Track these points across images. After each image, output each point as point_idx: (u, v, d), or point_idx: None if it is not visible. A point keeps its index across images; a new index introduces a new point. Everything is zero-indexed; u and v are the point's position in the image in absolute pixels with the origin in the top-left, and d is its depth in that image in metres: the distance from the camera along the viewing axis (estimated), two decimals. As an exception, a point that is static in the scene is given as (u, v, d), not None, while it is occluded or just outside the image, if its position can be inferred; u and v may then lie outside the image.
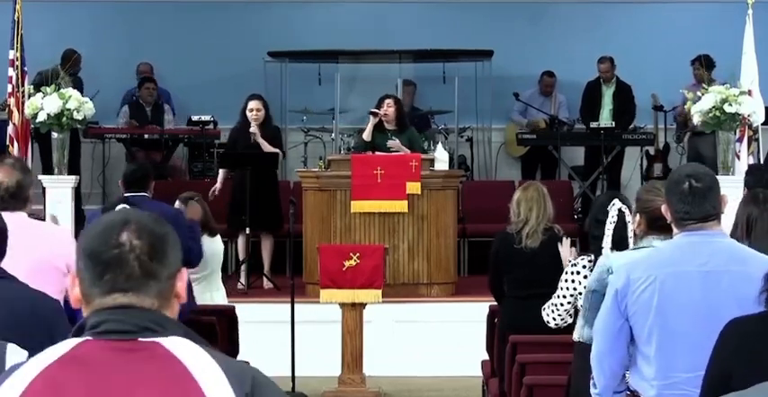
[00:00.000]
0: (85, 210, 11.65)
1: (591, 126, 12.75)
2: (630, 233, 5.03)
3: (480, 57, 13.03)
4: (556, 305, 5.71)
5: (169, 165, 12.96)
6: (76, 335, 2.26)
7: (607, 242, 5.16)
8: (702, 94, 9.30)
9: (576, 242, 11.28)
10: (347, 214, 10.01)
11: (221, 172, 10.82)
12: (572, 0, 13.84)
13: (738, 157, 9.36)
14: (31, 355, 3.09)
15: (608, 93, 13.16)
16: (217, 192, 10.62)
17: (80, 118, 9.64)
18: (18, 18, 9.99)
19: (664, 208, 4.11)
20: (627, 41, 13.56)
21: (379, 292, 8.40)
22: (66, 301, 5.28)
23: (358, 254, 8.45)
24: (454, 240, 10.33)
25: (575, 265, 5.60)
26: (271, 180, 10.68)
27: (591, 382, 4.30)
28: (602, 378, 4.17)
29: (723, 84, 9.46)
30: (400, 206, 9.94)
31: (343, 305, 8.47)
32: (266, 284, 10.55)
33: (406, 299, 9.84)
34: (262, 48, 12.96)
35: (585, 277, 5.46)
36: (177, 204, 8.05)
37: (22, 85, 9.88)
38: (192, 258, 7.23)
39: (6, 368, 2.61)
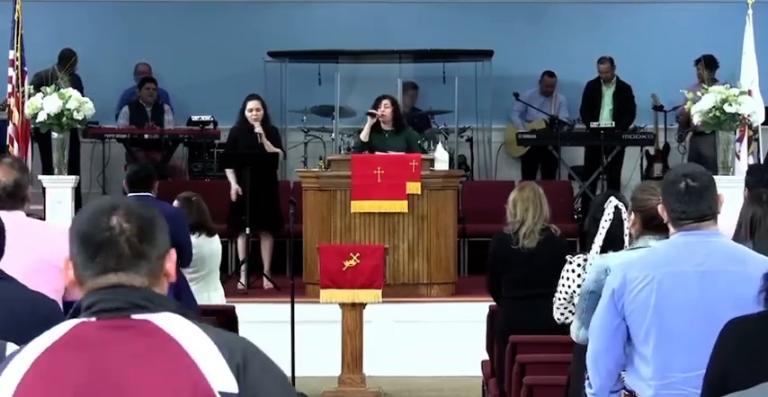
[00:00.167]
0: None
1: (591, 126, 12.75)
2: (627, 232, 5.03)
3: (480, 57, 13.03)
4: (560, 300, 5.73)
5: (169, 165, 12.95)
6: (73, 316, 2.36)
7: (599, 239, 5.16)
8: (702, 94, 9.30)
9: (575, 242, 11.36)
10: (347, 214, 10.01)
11: (229, 172, 10.71)
12: (572, 0, 13.84)
13: (738, 157, 9.36)
14: None
15: (608, 93, 13.16)
16: (240, 192, 10.52)
17: (80, 118, 9.64)
18: (18, 18, 10.00)
19: (660, 208, 4.11)
20: (627, 41, 13.55)
21: (379, 292, 8.40)
22: (65, 300, 5.30)
23: (358, 254, 8.45)
24: (454, 240, 10.33)
25: (570, 263, 5.61)
26: (271, 180, 10.68)
27: (586, 382, 4.30)
28: (598, 378, 4.17)
29: (724, 85, 9.46)
30: (400, 206, 9.94)
31: (343, 305, 8.47)
32: (266, 284, 10.55)
33: (406, 299, 9.84)
34: (262, 48, 12.96)
35: (579, 275, 5.46)
36: (176, 203, 8.05)
37: (22, 85, 9.89)
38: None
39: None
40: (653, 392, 4.00)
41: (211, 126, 12.60)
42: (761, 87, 9.72)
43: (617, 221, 5.20)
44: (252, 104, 10.57)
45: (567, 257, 5.68)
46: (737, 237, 5.34)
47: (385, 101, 10.67)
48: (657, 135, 13.15)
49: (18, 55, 9.95)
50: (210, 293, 8.17)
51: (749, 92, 9.40)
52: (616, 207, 5.16)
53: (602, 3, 13.83)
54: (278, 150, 10.64)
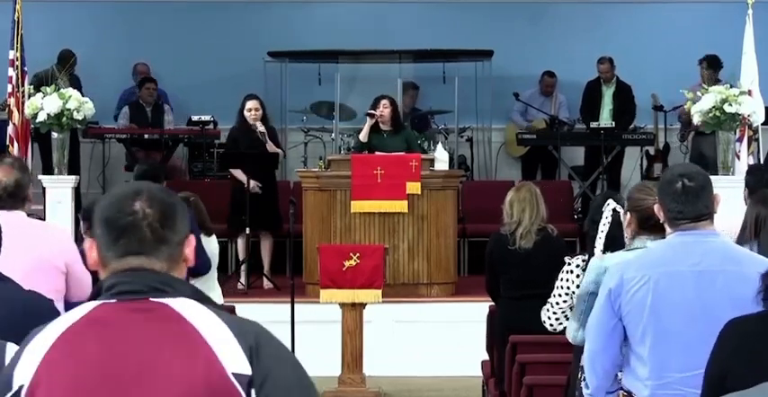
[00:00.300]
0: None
1: (591, 126, 12.75)
2: (626, 233, 5.03)
3: (480, 57, 13.03)
4: (552, 305, 5.72)
5: (169, 165, 12.95)
6: (93, 298, 2.46)
7: (599, 243, 5.16)
8: (702, 94, 9.30)
9: (575, 242, 11.35)
10: (347, 214, 10.01)
11: (237, 171, 10.63)
12: (572, 0, 13.84)
13: (738, 157, 9.36)
14: None
15: (608, 93, 13.17)
16: (257, 187, 10.47)
17: (80, 118, 9.64)
18: (18, 18, 9.99)
19: (657, 208, 4.11)
20: (627, 41, 13.55)
21: (379, 292, 8.40)
22: (67, 300, 5.30)
23: (358, 254, 8.45)
24: (454, 240, 10.34)
25: (569, 264, 5.60)
26: (270, 179, 10.68)
27: (583, 382, 4.30)
28: (595, 378, 4.17)
29: (724, 85, 9.46)
30: (400, 206, 9.94)
31: (343, 305, 8.47)
32: (266, 284, 10.55)
33: (406, 299, 9.84)
34: (262, 48, 12.95)
35: (578, 276, 5.46)
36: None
37: (22, 85, 9.88)
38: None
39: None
40: (649, 392, 4.00)
41: (211, 126, 12.60)
42: (761, 87, 9.72)
43: (615, 223, 5.20)
44: (251, 104, 10.56)
45: (566, 258, 5.68)
46: (742, 237, 5.33)
47: (384, 102, 10.67)
48: (657, 135, 13.15)
49: (18, 55, 9.95)
50: (209, 293, 8.15)
51: (749, 92, 9.40)
52: (614, 209, 5.16)
53: (602, 3, 13.83)
54: (279, 150, 10.65)
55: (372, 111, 10.62)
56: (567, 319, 5.77)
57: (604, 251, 5.07)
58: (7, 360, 3.14)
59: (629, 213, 4.60)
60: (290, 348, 8.35)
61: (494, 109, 13.48)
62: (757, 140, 9.77)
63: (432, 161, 10.20)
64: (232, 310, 7.95)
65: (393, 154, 10.28)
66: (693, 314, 3.94)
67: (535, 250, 7.09)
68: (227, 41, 13.61)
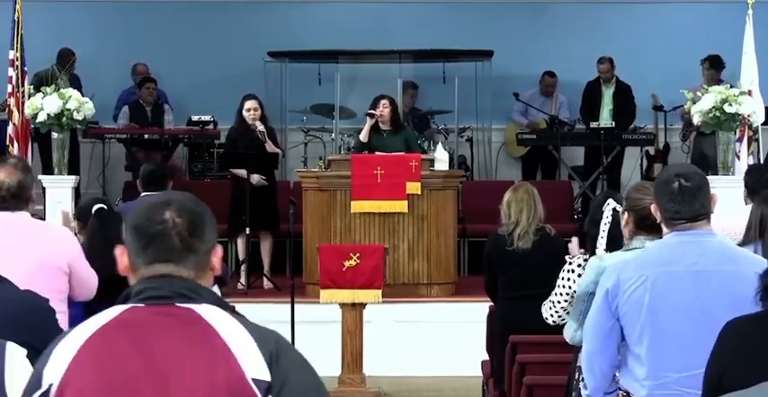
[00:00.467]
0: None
1: (591, 126, 12.75)
2: (624, 233, 5.02)
3: (480, 57, 13.03)
4: (553, 303, 5.72)
5: (169, 165, 12.95)
6: (123, 302, 2.56)
7: (601, 242, 5.16)
8: (702, 94, 9.30)
9: (576, 242, 11.34)
10: (347, 214, 10.00)
11: (243, 171, 10.60)
12: (572, 0, 13.84)
13: (738, 157, 9.36)
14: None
15: (608, 93, 13.17)
16: (262, 180, 10.44)
17: (80, 118, 9.64)
18: (18, 18, 9.99)
19: (653, 208, 4.11)
20: (627, 41, 13.55)
21: (379, 292, 8.40)
22: (71, 299, 5.30)
23: (358, 254, 8.45)
24: (454, 240, 10.33)
25: (570, 264, 5.60)
26: (270, 180, 10.68)
27: (581, 383, 4.29)
28: (593, 379, 4.16)
29: (724, 85, 9.47)
30: (400, 206, 9.94)
31: (343, 305, 8.47)
32: (266, 284, 10.54)
33: (406, 299, 9.84)
34: (262, 48, 12.95)
35: (579, 275, 5.45)
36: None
37: (22, 85, 9.88)
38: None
39: (5, 365, 3.02)
40: (647, 393, 4.00)
41: (211, 126, 12.59)
42: (761, 87, 9.72)
43: (616, 223, 5.20)
44: (249, 104, 10.55)
45: (567, 257, 5.67)
46: (747, 238, 5.33)
47: (383, 102, 10.67)
48: (657, 135, 13.15)
49: (18, 55, 9.94)
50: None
51: (749, 92, 9.40)
52: (614, 209, 5.16)
53: (602, 3, 13.83)
54: (278, 150, 10.64)
55: (372, 111, 10.62)
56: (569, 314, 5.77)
57: (607, 251, 5.07)
58: (7, 359, 3.16)
59: (626, 213, 4.60)
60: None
61: (494, 109, 13.48)
62: (757, 140, 9.77)
63: (432, 161, 10.20)
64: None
65: (393, 154, 10.28)
66: (691, 314, 3.94)
67: (533, 250, 7.09)
68: (227, 41, 13.61)
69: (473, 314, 8.85)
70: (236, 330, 2.52)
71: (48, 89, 9.64)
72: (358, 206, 9.95)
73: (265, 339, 2.52)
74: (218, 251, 2.62)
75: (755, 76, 9.60)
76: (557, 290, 5.68)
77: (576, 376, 4.72)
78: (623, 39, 13.56)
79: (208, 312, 2.53)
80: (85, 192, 12.10)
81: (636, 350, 4.02)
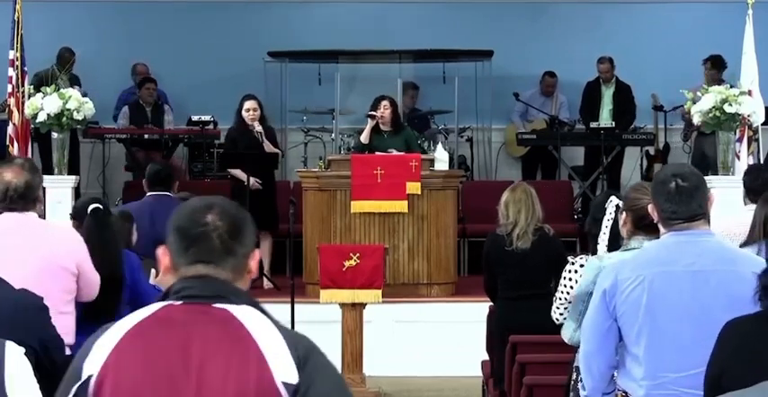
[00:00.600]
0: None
1: (591, 126, 12.74)
2: (622, 233, 5.02)
3: (480, 57, 13.03)
4: (559, 300, 5.71)
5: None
6: (162, 299, 2.66)
7: (603, 239, 5.15)
8: (702, 94, 9.30)
9: (575, 242, 11.35)
10: (347, 214, 10.00)
11: (237, 171, 10.61)
12: (572, 0, 13.84)
13: (738, 157, 9.36)
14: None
15: (607, 93, 13.17)
16: (257, 184, 10.43)
17: (80, 118, 9.64)
18: (18, 18, 9.99)
19: (650, 208, 4.11)
20: (627, 41, 13.55)
21: (379, 292, 8.39)
22: (78, 301, 5.30)
23: (358, 254, 8.45)
24: (454, 240, 10.33)
25: (573, 264, 5.60)
26: (269, 180, 10.68)
27: (579, 383, 4.29)
28: (591, 380, 4.16)
29: (724, 85, 9.47)
30: (400, 206, 9.94)
31: (343, 305, 8.47)
32: (266, 284, 10.54)
33: (406, 299, 9.84)
34: (262, 48, 12.95)
35: (582, 275, 5.45)
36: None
37: (22, 85, 9.88)
38: None
39: (5, 365, 3.08)
40: (644, 393, 3.99)
41: (211, 126, 12.59)
42: (761, 87, 9.72)
43: (617, 221, 5.19)
44: (249, 104, 10.55)
45: (570, 258, 5.67)
46: (750, 238, 5.33)
47: (384, 102, 10.67)
48: (657, 135, 13.15)
49: (18, 55, 9.94)
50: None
51: (749, 92, 9.39)
52: (617, 206, 5.16)
53: (602, 3, 13.83)
54: (277, 150, 10.63)
55: (373, 113, 10.61)
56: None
57: (610, 250, 5.07)
58: (6, 358, 3.17)
59: (624, 212, 4.60)
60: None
61: (494, 109, 13.48)
62: (757, 140, 9.77)
63: (432, 161, 10.20)
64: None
65: (393, 154, 10.28)
66: (689, 314, 3.93)
67: (532, 250, 7.10)
68: (227, 41, 13.61)
69: (473, 314, 8.85)
70: (269, 333, 2.61)
71: (48, 89, 9.64)
72: (358, 206, 9.95)
73: (297, 343, 2.62)
74: (256, 254, 2.72)
75: (755, 76, 9.60)
76: (559, 290, 5.68)
77: (575, 377, 4.72)
78: (623, 39, 13.56)
79: (242, 313, 2.62)
80: (85, 192, 12.10)
81: (634, 350, 4.01)
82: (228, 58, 13.52)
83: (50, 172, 10.03)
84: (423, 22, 13.71)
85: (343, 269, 8.37)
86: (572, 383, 4.93)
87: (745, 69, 9.65)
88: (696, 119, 9.38)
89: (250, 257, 2.71)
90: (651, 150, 13.09)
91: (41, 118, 9.53)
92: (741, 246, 5.25)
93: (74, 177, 9.94)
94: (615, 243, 5.05)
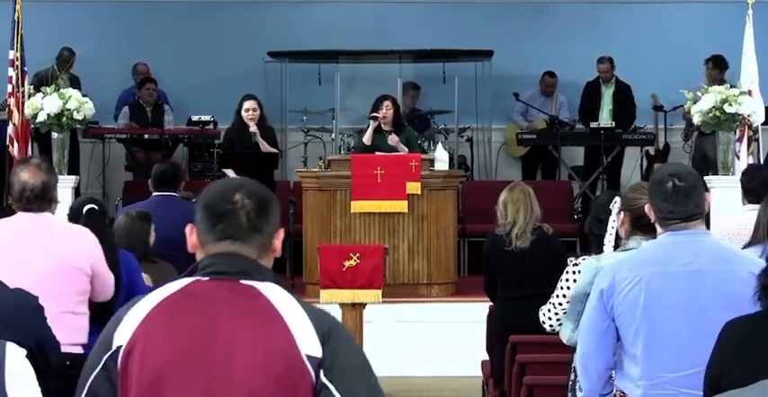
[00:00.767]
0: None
1: (591, 126, 12.74)
2: (620, 233, 5.01)
3: (480, 57, 13.03)
4: (554, 305, 5.70)
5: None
6: (189, 275, 2.76)
7: (610, 239, 5.15)
8: (702, 94, 9.30)
9: (575, 242, 11.35)
10: (347, 214, 10.00)
11: (229, 171, 10.64)
12: (572, 0, 13.84)
13: (738, 157, 9.35)
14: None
15: (607, 93, 13.17)
16: None
17: (80, 118, 9.64)
18: (18, 18, 9.99)
19: (647, 208, 4.11)
20: (627, 41, 13.55)
21: (379, 292, 8.39)
22: (91, 301, 5.31)
23: (358, 254, 8.44)
24: (454, 240, 10.33)
25: (576, 265, 5.59)
26: (268, 180, 10.64)
27: (577, 385, 4.28)
28: (588, 381, 4.15)
29: (724, 85, 9.47)
30: (400, 206, 9.94)
31: (343, 305, 8.46)
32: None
33: (406, 299, 9.83)
34: (262, 48, 12.95)
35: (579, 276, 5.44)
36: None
37: (22, 85, 9.87)
38: None
39: (6, 365, 3.13)
40: (641, 393, 3.99)
41: (211, 126, 12.59)
42: (761, 87, 9.71)
43: None
44: (248, 104, 10.52)
45: (571, 259, 5.65)
46: (755, 238, 5.32)
47: (386, 103, 10.66)
48: (657, 135, 13.15)
49: (18, 55, 9.93)
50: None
51: (749, 92, 9.39)
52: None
53: (602, 3, 13.83)
54: (273, 150, 10.56)
55: (376, 114, 10.61)
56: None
57: (615, 249, 5.06)
58: (7, 359, 3.18)
59: (622, 213, 4.60)
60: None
61: (494, 109, 13.48)
62: (757, 140, 9.77)
63: (432, 161, 10.20)
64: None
65: (393, 153, 10.28)
66: (686, 314, 3.93)
67: (532, 250, 7.10)
68: (227, 41, 13.61)
69: (473, 314, 8.85)
70: (294, 308, 2.67)
71: (48, 89, 9.64)
72: (358, 206, 9.95)
73: (320, 318, 2.67)
74: (281, 234, 2.80)
75: (755, 76, 9.60)
76: (557, 292, 5.67)
77: (573, 377, 4.72)
78: (623, 39, 13.56)
79: (268, 289, 2.70)
80: (85, 192, 12.10)
81: (631, 351, 4.01)
82: (228, 58, 13.52)
83: (50, 172, 10.02)
84: (423, 22, 13.71)
85: (343, 269, 8.37)
86: (570, 383, 4.93)
87: (745, 69, 9.65)
88: (696, 119, 9.38)
89: (275, 236, 2.79)
90: (651, 150, 13.09)
91: (41, 118, 9.53)
92: (745, 247, 5.25)
93: (74, 177, 9.94)
94: (617, 245, 5.05)
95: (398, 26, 13.63)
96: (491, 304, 7.62)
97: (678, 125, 13.17)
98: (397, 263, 9.91)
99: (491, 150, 13.76)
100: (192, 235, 2.79)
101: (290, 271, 9.69)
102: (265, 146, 10.46)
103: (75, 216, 5.97)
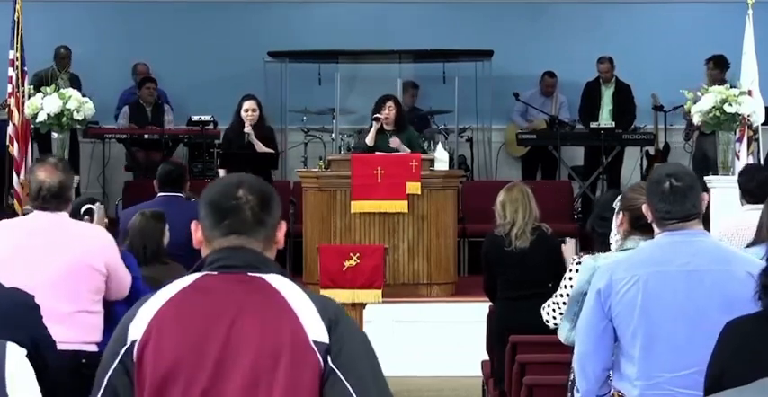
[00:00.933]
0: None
1: (591, 126, 12.74)
2: (618, 233, 5.00)
3: (480, 57, 13.03)
4: (558, 304, 5.70)
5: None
6: (197, 270, 2.85)
7: (616, 238, 5.14)
8: (702, 94, 9.30)
9: (576, 242, 11.35)
10: (347, 214, 10.00)
11: (222, 172, 10.70)
12: (572, 0, 13.84)
13: (738, 157, 9.35)
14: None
15: (607, 93, 13.16)
16: None
17: (80, 118, 9.64)
18: (18, 18, 9.99)
19: (644, 208, 4.11)
20: (627, 41, 13.55)
21: (379, 292, 8.38)
22: (106, 300, 5.32)
23: (358, 254, 8.44)
24: (454, 240, 10.33)
25: (579, 264, 5.59)
26: (267, 180, 10.61)
27: (573, 386, 4.28)
28: (585, 382, 4.14)
29: (724, 85, 9.46)
30: (400, 206, 9.94)
31: (343, 305, 8.45)
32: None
33: (406, 299, 9.84)
34: (262, 48, 12.95)
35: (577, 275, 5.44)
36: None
37: (22, 85, 9.88)
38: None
39: (6, 365, 3.18)
40: (639, 393, 3.99)
41: (211, 126, 12.59)
42: (761, 87, 9.71)
43: None
44: (247, 104, 10.51)
45: (574, 257, 5.65)
46: (758, 238, 5.32)
47: (389, 104, 10.65)
48: (657, 135, 13.15)
49: (18, 55, 9.94)
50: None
51: (749, 92, 9.39)
52: None
53: (602, 3, 13.83)
54: (268, 150, 10.50)
55: (378, 115, 10.60)
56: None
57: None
58: (7, 359, 3.19)
59: (621, 212, 4.60)
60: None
61: (494, 109, 13.48)
62: (757, 140, 9.77)
63: (432, 161, 10.20)
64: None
65: (394, 154, 10.28)
66: (684, 314, 3.93)
67: (531, 249, 7.10)
68: (227, 41, 13.61)
69: (473, 314, 8.85)
70: (300, 296, 2.79)
71: (48, 89, 9.64)
72: (358, 206, 9.95)
73: (326, 306, 2.80)
74: (283, 226, 2.91)
75: (755, 76, 9.59)
76: (560, 291, 5.67)
77: (573, 377, 4.72)
78: (623, 39, 13.56)
79: (276, 280, 2.81)
80: (85, 192, 12.10)
81: (629, 351, 4.01)
82: (228, 58, 13.52)
83: (50, 172, 10.02)
84: (423, 22, 13.71)
85: (343, 269, 8.36)
86: (570, 382, 4.93)
87: (745, 69, 9.65)
88: (696, 119, 9.38)
89: (278, 228, 2.90)
90: (651, 150, 13.08)
91: (41, 118, 9.53)
92: (748, 246, 5.26)
93: (74, 177, 9.93)
94: None
95: (398, 26, 13.63)
96: (491, 304, 7.62)
97: (678, 125, 13.16)
98: (397, 263, 9.92)
99: (491, 150, 13.76)
100: (197, 232, 2.89)
101: (291, 271, 9.68)
102: (260, 147, 10.42)
103: (73, 216, 5.97)
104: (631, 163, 13.05)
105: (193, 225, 2.90)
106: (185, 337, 2.75)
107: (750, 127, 9.41)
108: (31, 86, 9.94)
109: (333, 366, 2.74)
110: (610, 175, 12.76)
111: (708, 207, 7.97)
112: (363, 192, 9.92)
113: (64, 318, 5.01)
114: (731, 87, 9.50)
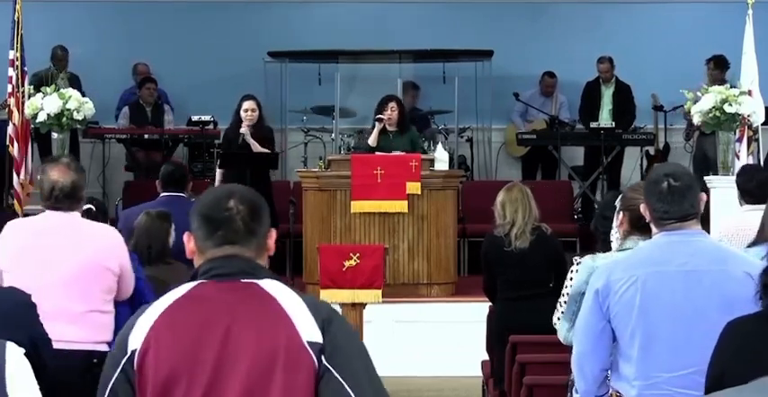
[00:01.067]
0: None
1: (591, 126, 12.74)
2: (618, 233, 5.00)
3: (480, 57, 13.03)
4: (560, 304, 5.70)
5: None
6: (191, 280, 2.92)
7: (617, 237, 5.14)
8: (702, 94, 9.30)
9: (575, 242, 11.35)
10: (347, 214, 10.00)
11: (219, 172, 10.69)
12: (572, 0, 13.84)
13: (738, 157, 9.35)
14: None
15: (607, 93, 13.16)
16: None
17: (80, 118, 9.64)
18: (18, 18, 9.99)
19: (643, 208, 4.10)
20: (627, 41, 13.55)
21: (379, 292, 8.39)
22: (116, 301, 5.33)
23: (358, 254, 8.44)
24: (454, 240, 10.33)
25: (579, 264, 5.59)
26: (263, 180, 10.60)
27: (573, 385, 4.28)
28: (583, 382, 4.14)
29: (724, 85, 9.46)
30: (400, 206, 9.94)
31: (343, 305, 8.46)
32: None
33: (406, 299, 9.83)
34: (262, 48, 12.95)
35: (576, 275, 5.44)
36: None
37: (22, 85, 9.87)
38: None
39: (6, 365, 3.22)
40: (636, 393, 3.99)
41: (211, 126, 12.58)
42: (761, 87, 9.71)
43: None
44: (247, 104, 10.51)
45: (576, 258, 5.65)
46: (760, 238, 5.32)
47: (391, 104, 10.65)
48: (657, 135, 13.15)
49: (18, 55, 9.94)
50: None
51: (749, 92, 9.39)
52: None
53: (602, 3, 13.83)
54: (265, 150, 10.47)
55: (381, 116, 10.60)
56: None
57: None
58: (7, 359, 3.19)
59: (621, 212, 4.60)
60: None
61: (494, 109, 13.48)
62: (757, 140, 9.77)
63: (432, 161, 10.20)
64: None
65: (394, 154, 10.27)
66: (682, 314, 3.93)
67: (531, 249, 7.10)
68: (227, 41, 13.61)
69: (473, 314, 8.85)
70: (293, 299, 2.87)
71: (48, 89, 9.64)
72: (358, 206, 9.95)
73: (319, 308, 2.88)
74: (273, 234, 3.00)
75: (755, 76, 9.59)
76: (563, 291, 5.67)
77: (572, 377, 4.71)
78: (623, 39, 13.56)
79: (269, 285, 2.89)
80: (85, 192, 12.09)
81: (627, 351, 4.00)
82: (228, 58, 13.52)
83: (50, 172, 10.01)
84: (423, 22, 13.71)
85: (343, 269, 8.37)
86: (570, 382, 4.92)
87: (745, 69, 9.65)
88: (696, 119, 9.38)
89: (268, 236, 2.99)
90: (651, 150, 13.08)
91: (41, 118, 9.53)
92: (749, 247, 5.25)
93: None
94: None
95: (398, 26, 13.62)
96: (491, 304, 7.62)
97: (678, 125, 13.16)
98: (397, 263, 9.92)
99: (491, 150, 13.75)
100: (189, 242, 2.97)
101: (290, 271, 9.69)
102: (256, 147, 10.41)
103: None
104: (631, 163, 13.05)
105: (186, 236, 2.97)
106: (182, 345, 2.83)
107: (750, 127, 9.41)
108: (31, 86, 9.94)
109: (327, 365, 2.82)
110: (610, 175, 12.76)
111: (708, 208, 7.98)
112: (363, 192, 9.92)
113: (76, 318, 5.02)
114: (731, 87, 9.49)
